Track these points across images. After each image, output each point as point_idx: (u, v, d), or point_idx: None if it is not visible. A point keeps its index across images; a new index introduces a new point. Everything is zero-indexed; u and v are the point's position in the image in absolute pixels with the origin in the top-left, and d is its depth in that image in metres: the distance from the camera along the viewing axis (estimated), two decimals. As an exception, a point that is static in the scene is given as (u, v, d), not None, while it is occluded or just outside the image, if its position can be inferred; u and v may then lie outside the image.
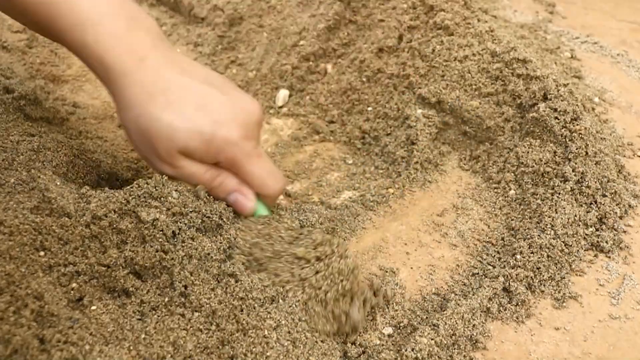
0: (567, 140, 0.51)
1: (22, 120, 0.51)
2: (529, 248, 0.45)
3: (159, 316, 0.34)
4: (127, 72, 0.37)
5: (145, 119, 0.37)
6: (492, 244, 0.49)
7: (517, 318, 0.42)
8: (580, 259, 0.46)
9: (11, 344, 0.28)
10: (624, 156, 0.56)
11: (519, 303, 0.43)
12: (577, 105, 0.52)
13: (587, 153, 0.50)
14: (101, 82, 0.40)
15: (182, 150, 0.38)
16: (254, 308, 0.35)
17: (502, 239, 0.49)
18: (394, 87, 0.63)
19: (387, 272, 0.46)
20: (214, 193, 0.40)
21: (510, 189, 0.53)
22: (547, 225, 0.47)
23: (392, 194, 0.55)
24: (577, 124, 0.51)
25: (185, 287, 0.35)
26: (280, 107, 0.70)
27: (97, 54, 0.37)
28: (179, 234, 0.37)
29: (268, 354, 0.33)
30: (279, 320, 0.35)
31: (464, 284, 0.45)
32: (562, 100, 0.52)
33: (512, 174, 0.53)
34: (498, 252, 0.48)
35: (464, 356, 0.39)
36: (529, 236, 0.47)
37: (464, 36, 0.60)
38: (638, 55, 0.73)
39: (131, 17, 0.39)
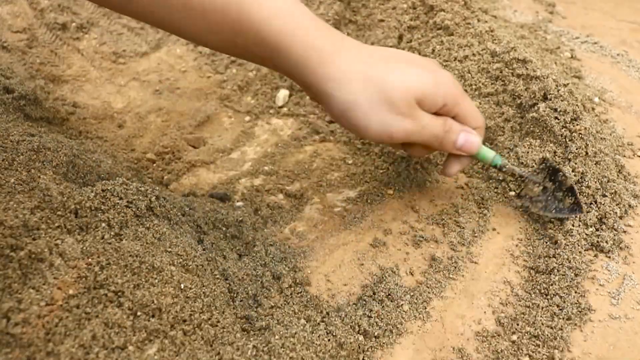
0: (567, 140, 0.51)
1: (22, 120, 0.51)
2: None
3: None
4: (337, 49, 0.39)
5: (376, 82, 0.38)
6: (492, 244, 0.49)
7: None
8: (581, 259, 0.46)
9: None
10: (624, 156, 0.56)
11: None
12: (577, 105, 0.52)
13: (587, 153, 0.50)
14: (299, 74, 0.40)
15: (419, 99, 0.39)
16: None
17: (502, 239, 0.49)
18: (394, 87, 0.62)
19: (386, 272, 0.46)
20: (447, 139, 0.42)
21: (510, 189, 0.53)
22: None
23: (392, 194, 0.55)
24: (577, 124, 0.51)
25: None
26: (280, 107, 0.70)
27: (306, 38, 0.38)
28: None
29: None
30: None
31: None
32: (562, 100, 0.52)
33: (512, 174, 0.53)
34: (498, 252, 0.48)
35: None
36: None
37: (464, 36, 0.60)
38: (638, 55, 0.73)
39: (311, 16, 0.40)
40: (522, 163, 0.52)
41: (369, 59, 0.39)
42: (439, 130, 0.41)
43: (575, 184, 0.48)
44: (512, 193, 0.53)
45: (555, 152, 0.51)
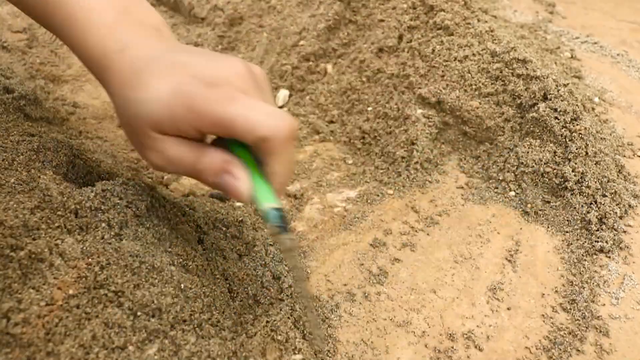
0: (567, 140, 0.51)
1: (22, 120, 0.51)
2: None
3: None
4: (109, 65, 0.34)
5: (124, 106, 0.33)
6: (492, 244, 0.49)
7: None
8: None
9: None
10: (624, 156, 0.56)
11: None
12: (577, 105, 0.52)
13: (587, 153, 0.50)
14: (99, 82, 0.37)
15: (155, 126, 0.32)
16: None
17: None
18: (394, 87, 0.62)
19: (386, 272, 0.46)
20: (203, 179, 0.34)
21: (510, 189, 0.53)
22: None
23: (392, 194, 0.55)
24: (577, 124, 0.51)
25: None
26: (281, 107, 0.70)
27: (85, 49, 0.36)
28: None
29: None
30: None
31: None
32: (562, 100, 0.52)
33: (512, 174, 0.53)
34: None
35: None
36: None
37: (464, 36, 0.60)
38: (638, 55, 0.73)
39: (123, 10, 0.36)
40: (522, 163, 0.52)
41: (132, 75, 0.33)
42: (189, 164, 0.33)
43: (576, 183, 0.48)
44: (512, 193, 0.53)
45: (555, 152, 0.51)
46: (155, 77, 0.32)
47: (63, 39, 0.38)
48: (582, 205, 0.49)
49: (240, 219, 0.50)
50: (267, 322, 0.40)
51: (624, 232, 0.48)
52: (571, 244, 0.48)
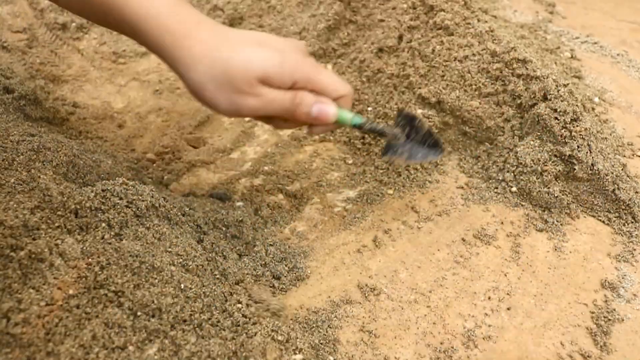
0: (567, 140, 0.51)
1: (22, 120, 0.51)
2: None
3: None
4: (190, 33, 0.42)
5: (220, 64, 0.41)
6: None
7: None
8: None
9: None
10: (624, 156, 0.56)
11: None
12: (577, 105, 0.52)
13: (589, 152, 0.50)
14: (158, 54, 0.43)
15: (262, 78, 0.42)
16: None
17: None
18: (394, 87, 0.62)
19: (386, 272, 0.46)
20: (298, 111, 0.44)
21: (510, 189, 0.53)
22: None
23: (392, 194, 0.55)
24: (577, 125, 0.51)
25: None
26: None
27: (161, 22, 0.41)
28: None
29: None
30: None
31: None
32: (562, 101, 0.52)
33: (512, 174, 0.53)
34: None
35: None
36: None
37: (464, 36, 0.60)
38: (638, 55, 0.73)
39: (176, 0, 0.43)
40: (521, 163, 0.52)
41: (218, 42, 0.42)
42: (288, 104, 0.43)
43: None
44: (512, 193, 0.53)
45: (555, 152, 0.51)
46: (249, 45, 0.42)
47: (123, 17, 0.42)
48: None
49: (240, 219, 0.50)
50: (268, 322, 0.40)
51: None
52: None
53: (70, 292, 0.34)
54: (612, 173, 0.49)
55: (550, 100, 0.53)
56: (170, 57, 0.43)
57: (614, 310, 0.42)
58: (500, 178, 0.54)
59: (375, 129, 0.47)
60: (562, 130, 0.51)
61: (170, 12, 0.42)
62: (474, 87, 0.57)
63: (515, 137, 0.55)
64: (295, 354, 0.38)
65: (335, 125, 0.47)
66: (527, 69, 0.55)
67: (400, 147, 0.47)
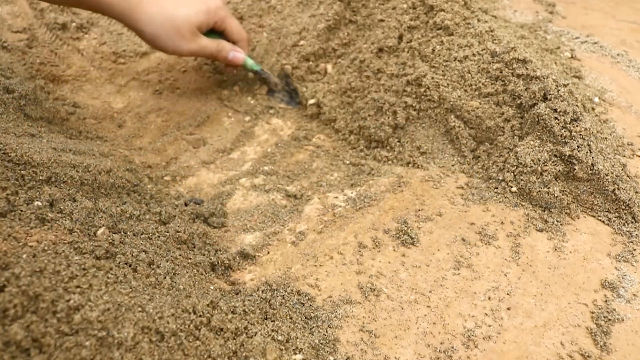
0: (567, 140, 0.51)
1: (22, 120, 0.51)
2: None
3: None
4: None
5: (167, 16, 0.59)
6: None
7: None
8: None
9: None
10: (624, 156, 0.56)
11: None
12: (577, 105, 0.52)
13: (589, 152, 0.50)
14: (118, 18, 0.58)
15: (198, 26, 0.62)
16: None
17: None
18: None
19: (386, 272, 0.46)
20: (220, 55, 0.66)
21: (510, 189, 0.53)
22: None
23: (392, 194, 0.55)
24: (577, 125, 0.51)
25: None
26: (281, 107, 0.70)
27: None
28: None
29: None
30: None
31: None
32: (562, 101, 0.52)
33: (512, 173, 0.53)
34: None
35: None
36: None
37: (464, 36, 0.60)
38: (638, 55, 0.73)
39: None
40: (521, 163, 0.52)
41: (165, 3, 0.59)
42: (214, 49, 0.65)
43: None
44: (512, 192, 0.53)
45: (555, 152, 0.51)
46: (185, 2, 0.61)
47: (88, 3, 0.57)
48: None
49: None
50: (268, 322, 0.40)
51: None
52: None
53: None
54: (612, 173, 0.49)
55: (550, 100, 0.53)
56: (130, 19, 0.58)
57: (614, 310, 0.42)
58: (500, 178, 0.54)
59: (265, 76, 0.70)
60: (562, 130, 0.51)
61: None
62: (474, 87, 0.57)
63: (515, 137, 0.55)
64: (295, 354, 0.38)
65: (243, 69, 0.68)
66: (527, 69, 0.55)
67: (276, 92, 0.71)
